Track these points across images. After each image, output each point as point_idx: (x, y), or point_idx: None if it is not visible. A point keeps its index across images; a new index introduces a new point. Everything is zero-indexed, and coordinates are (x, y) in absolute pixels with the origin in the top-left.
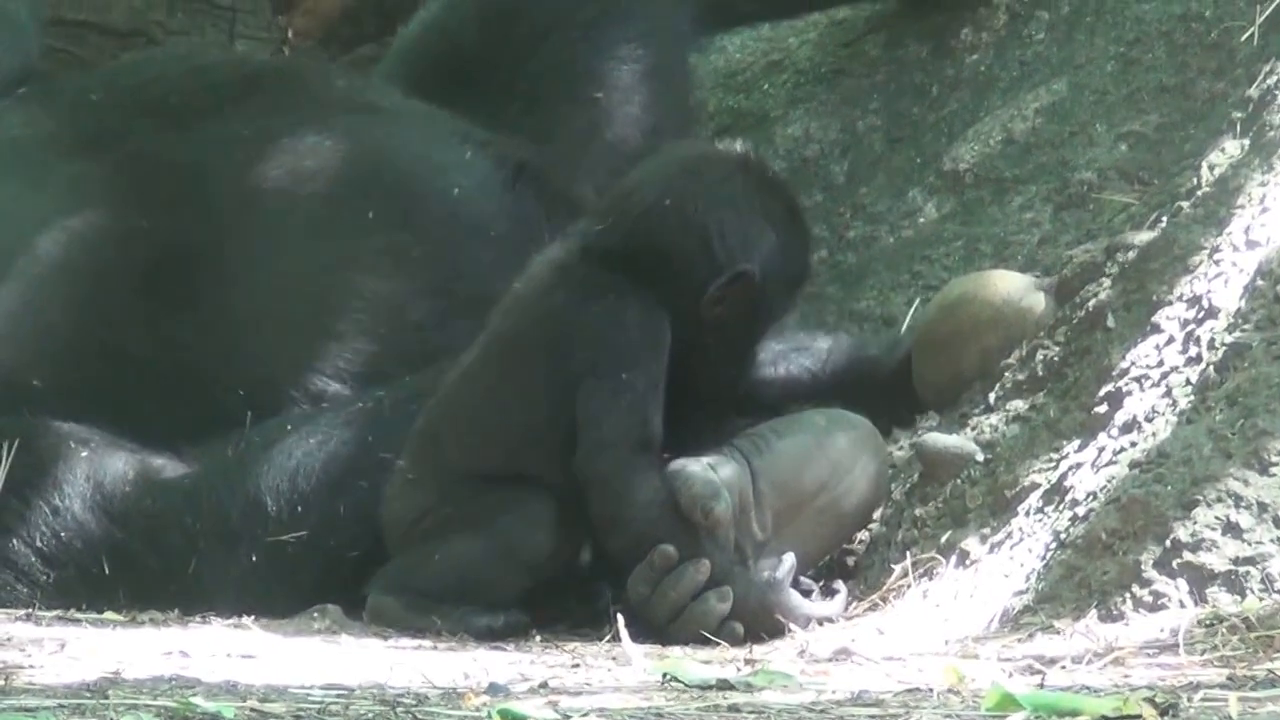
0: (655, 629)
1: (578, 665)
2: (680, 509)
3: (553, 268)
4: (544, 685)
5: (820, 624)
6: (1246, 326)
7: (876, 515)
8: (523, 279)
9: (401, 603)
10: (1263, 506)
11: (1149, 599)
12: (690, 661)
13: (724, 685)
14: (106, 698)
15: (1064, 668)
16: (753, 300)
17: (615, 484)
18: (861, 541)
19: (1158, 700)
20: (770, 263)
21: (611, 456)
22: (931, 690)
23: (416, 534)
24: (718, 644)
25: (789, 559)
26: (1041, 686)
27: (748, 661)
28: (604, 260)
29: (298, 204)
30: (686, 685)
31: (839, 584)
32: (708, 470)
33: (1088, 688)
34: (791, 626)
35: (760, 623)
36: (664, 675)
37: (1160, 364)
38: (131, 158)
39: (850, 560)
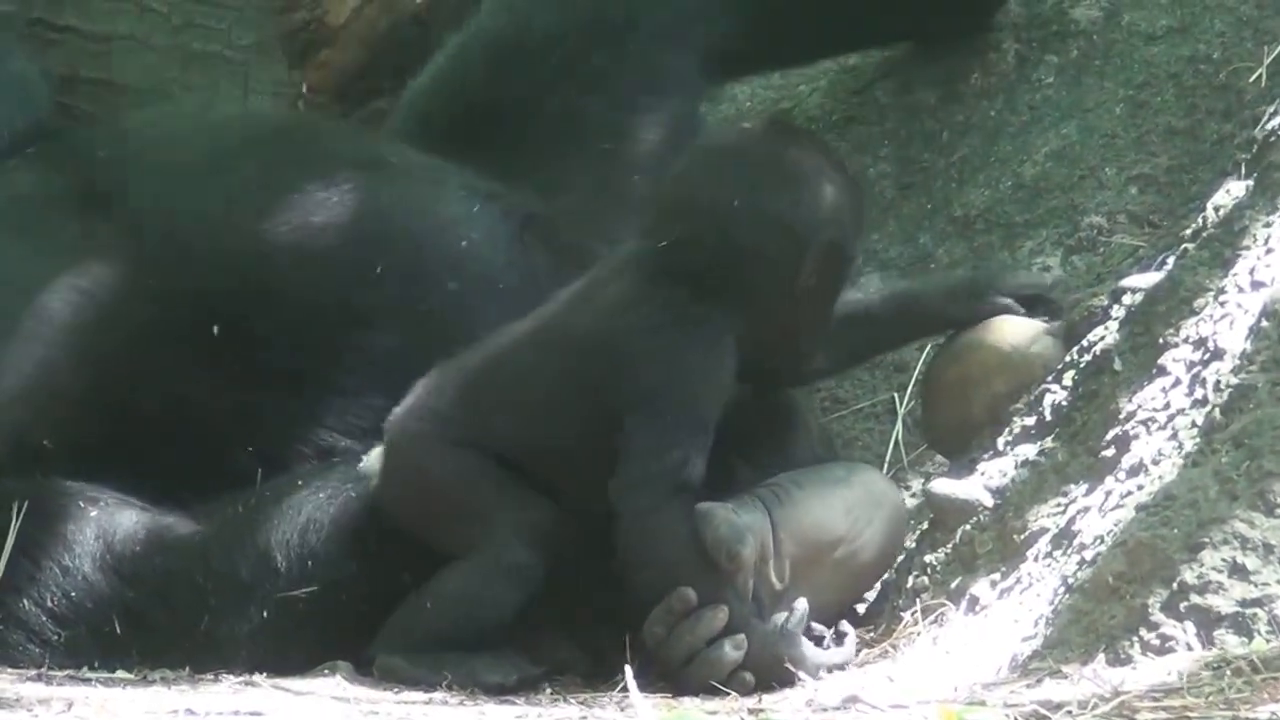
0: (668, 672)
1: (584, 718)
2: (705, 552)
3: (622, 287)
4: None
5: (831, 671)
6: (1252, 368)
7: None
8: (589, 285)
9: (409, 660)
10: (1269, 548)
11: (1156, 642)
12: (698, 713)
13: None
14: None
15: (1070, 713)
16: (840, 261)
17: (648, 523)
18: (873, 589)
19: None
20: (842, 218)
21: (649, 495)
22: None
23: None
24: (728, 694)
25: (801, 606)
26: None
27: (752, 712)
28: (672, 278)
29: (306, 259)
30: None
31: (846, 626)
32: (732, 514)
33: None
34: (802, 675)
35: (772, 673)
36: None
37: (1166, 407)
38: (139, 215)
39: (860, 607)
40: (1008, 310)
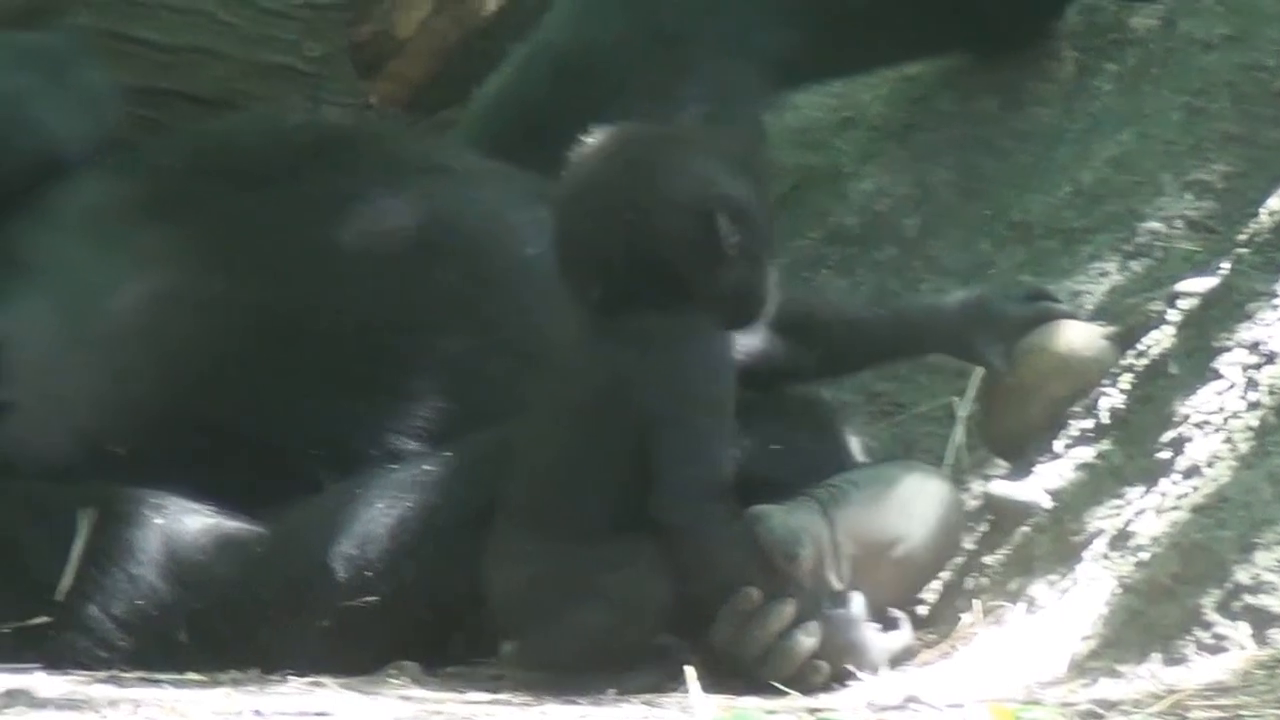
0: (741, 671)
1: (646, 718)
2: (762, 553)
3: (592, 328)
4: None
5: (897, 660)
6: None
7: (948, 564)
8: (562, 346)
9: (546, 678)
10: None
11: (1211, 642)
12: (758, 712)
13: None
14: None
15: (1124, 711)
16: (748, 209)
17: (696, 534)
18: (933, 590)
19: None
20: (724, 171)
21: (688, 507)
22: None
23: (534, 611)
24: (788, 693)
25: (859, 598)
26: None
27: (810, 711)
28: (625, 311)
29: (371, 265)
30: None
31: (896, 613)
32: (788, 515)
33: None
34: (870, 663)
35: (845, 657)
36: None
37: (1220, 409)
38: (207, 222)
39: (922, 609)
40: (1066, 315)
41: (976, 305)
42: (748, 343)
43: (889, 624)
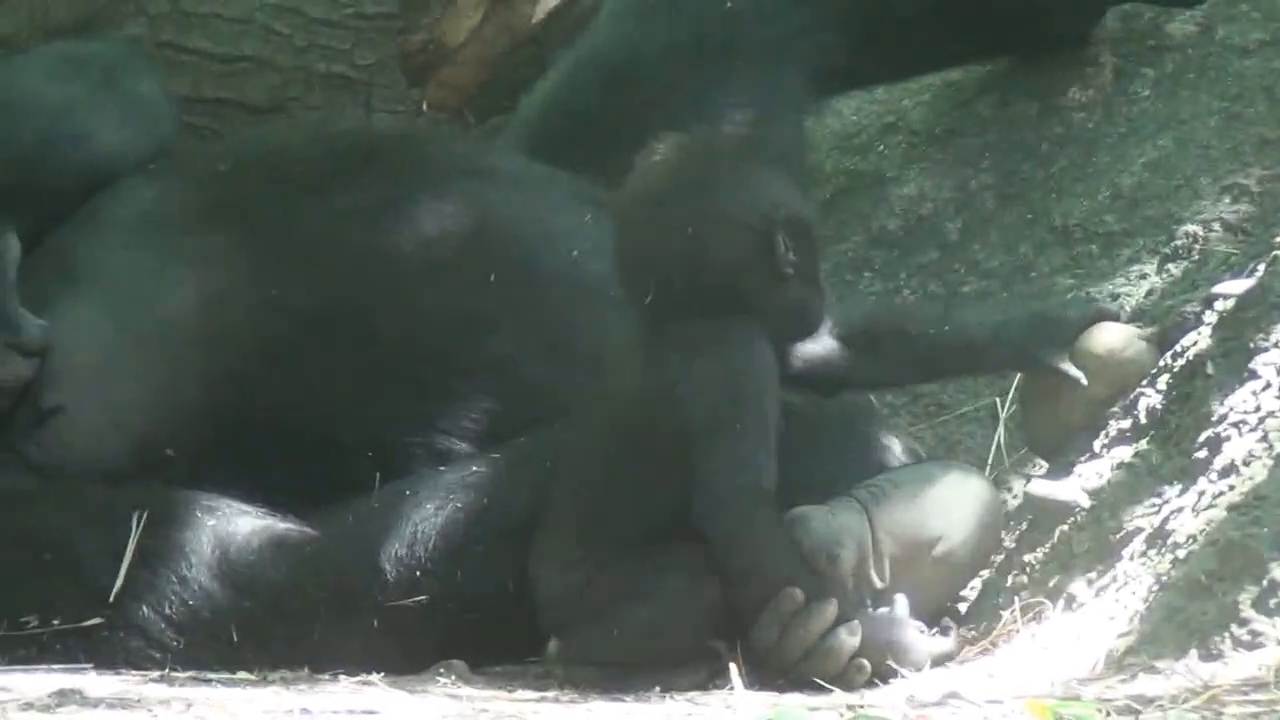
0: (785, 670)
1: (690, 715)
2: (804, 555)
3: (642, 335)
4: None
5: (939, 662)
6: None
7: (988, 563)
8: (613, 358)
9: (593, 675)
10: None
11: (1247, 638)
12: (800, 709)
13: None
14: None
15: (1161, 707)
16: (804, 226)
17: (741, 541)
18: (973, 588)
19: None
20: (781, 189)
21: (732, 514)
22: None
23: (582, 612)
24: (832, 690)
25: (902, 600)
26: None
27: (850, 707)
28: (676, 321)
29: (420, 268)
30: None
31: (949, 623)
32: (828, 516)
33: None
34: (913, 662)
35: (887, 656)
36: None
37: (1257, 409)
38: (258, 227)
39: (962, 606)
40: (1114, 316)
41: (1036, 317)
42: (807, 349)
43: (942, 632)
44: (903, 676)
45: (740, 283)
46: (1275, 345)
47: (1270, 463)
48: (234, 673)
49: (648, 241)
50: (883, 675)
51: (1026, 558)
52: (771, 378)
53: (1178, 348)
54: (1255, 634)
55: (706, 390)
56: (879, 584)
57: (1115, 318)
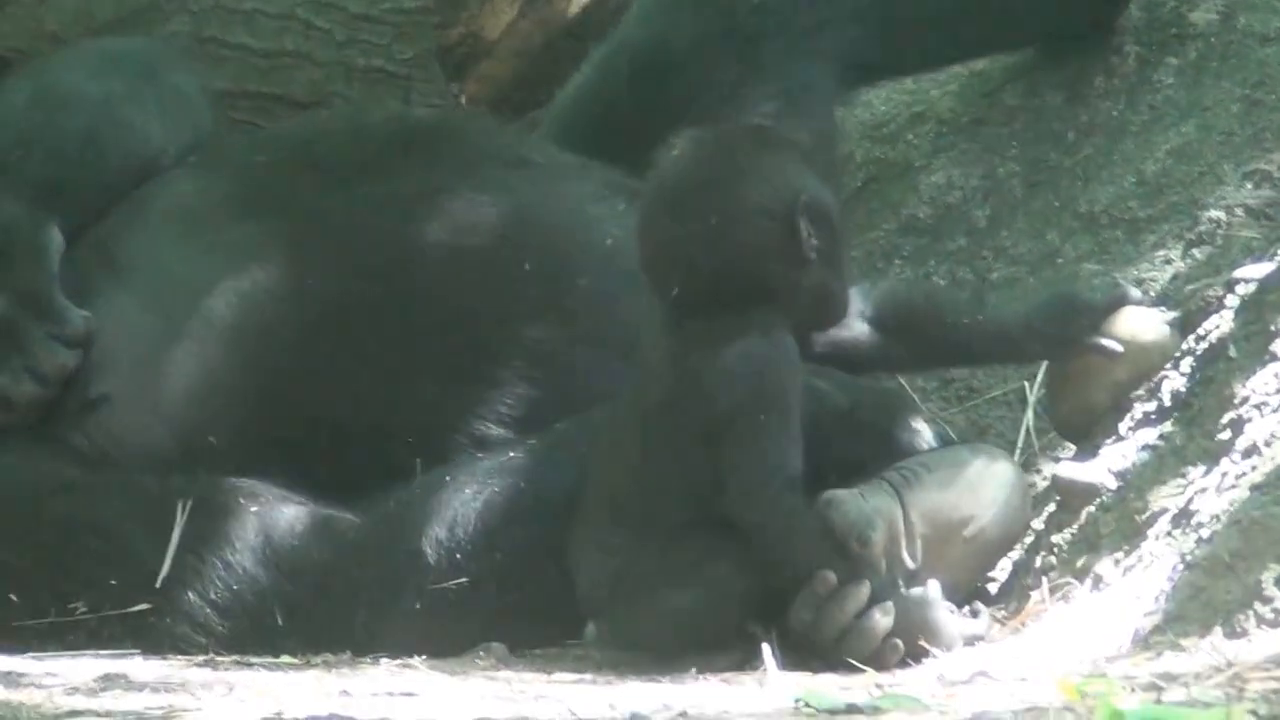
0: (821, 652)
1: (724, 696)
2: (835, 537)
3: (666, 348)
4: (683, 714)
5: (971, 643)
6: None
7: (1017, 543)
8: (644, 350)
9: (634, 657)
10: None
11: (1271, 616)
12: (832, 687)
13: (853, 709)
14: None
15: (1185, 684)
16: (826, 210)
17: (773, 528)
18: (1003, 569)
19: (1261, 712)
20: (803, 174)
21: (762, 502)
22: (1049, 709)
23: (621, 595)
24: (865, 671)
25: (935, 581)
26: (1158, 702)
27: (880, 686)
28: (702, 314)
29: (457, 257)
30: (817, 709)
31: (979, 605)
32: (859, 499)
33: (1200, 702)
34: (945, 642)
35: (919, 636)
36: (796, 700)
37: (1278, 391)
38: (296, 217)
39: (992, 587)
40: (1139, 301)
41: (1066, 303)
42: (837, 332)
43: (972, 614)
44: (934, 656)
45: (764, 269)
46: None
47: None
48: (277, 656)
49: (671, 231)
50: (915, 655)
51: (1054, 539)
52: (795, 367)
53: (1201, 331)
54: (1278, 612)
55: (732, 382)
56: (910, 565)
57: (1140, 302)
